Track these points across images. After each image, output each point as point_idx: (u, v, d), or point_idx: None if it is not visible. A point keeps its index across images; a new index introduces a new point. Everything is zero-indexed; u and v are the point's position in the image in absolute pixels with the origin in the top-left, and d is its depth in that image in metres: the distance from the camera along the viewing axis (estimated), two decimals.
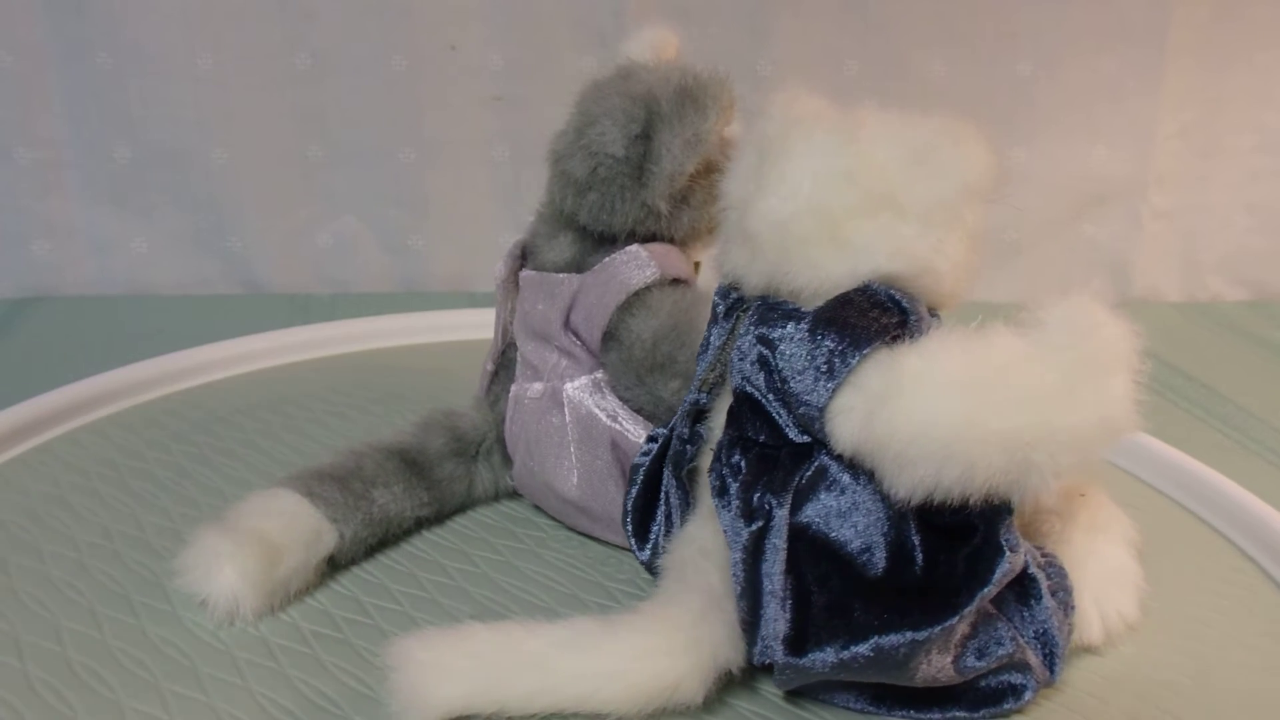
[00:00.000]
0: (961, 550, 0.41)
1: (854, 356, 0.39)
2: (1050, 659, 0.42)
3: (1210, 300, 1.07)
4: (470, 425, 0.57)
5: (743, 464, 0.43)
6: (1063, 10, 0.97)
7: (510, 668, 0.40)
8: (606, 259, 0.52)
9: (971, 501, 0.38)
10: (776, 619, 0.40)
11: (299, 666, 0.44)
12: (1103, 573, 0.46)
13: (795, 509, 0.41)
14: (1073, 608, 0.44)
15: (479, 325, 0.84)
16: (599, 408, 0.53)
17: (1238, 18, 0.99)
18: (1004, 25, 0.98)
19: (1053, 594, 0.43)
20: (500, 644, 0.41)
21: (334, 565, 0.51)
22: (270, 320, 0.85)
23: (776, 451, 0.43)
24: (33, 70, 0.89)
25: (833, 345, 0.40)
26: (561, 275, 0.53)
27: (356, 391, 0.72)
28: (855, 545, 0.41)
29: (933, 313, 0.43)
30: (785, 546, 0.41)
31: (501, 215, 0.99)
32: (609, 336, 0.52)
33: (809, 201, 0.41)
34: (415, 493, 0.54)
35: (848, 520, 0.41)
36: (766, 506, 0.41)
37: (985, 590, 0.39)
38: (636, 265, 0.51)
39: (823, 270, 0.42)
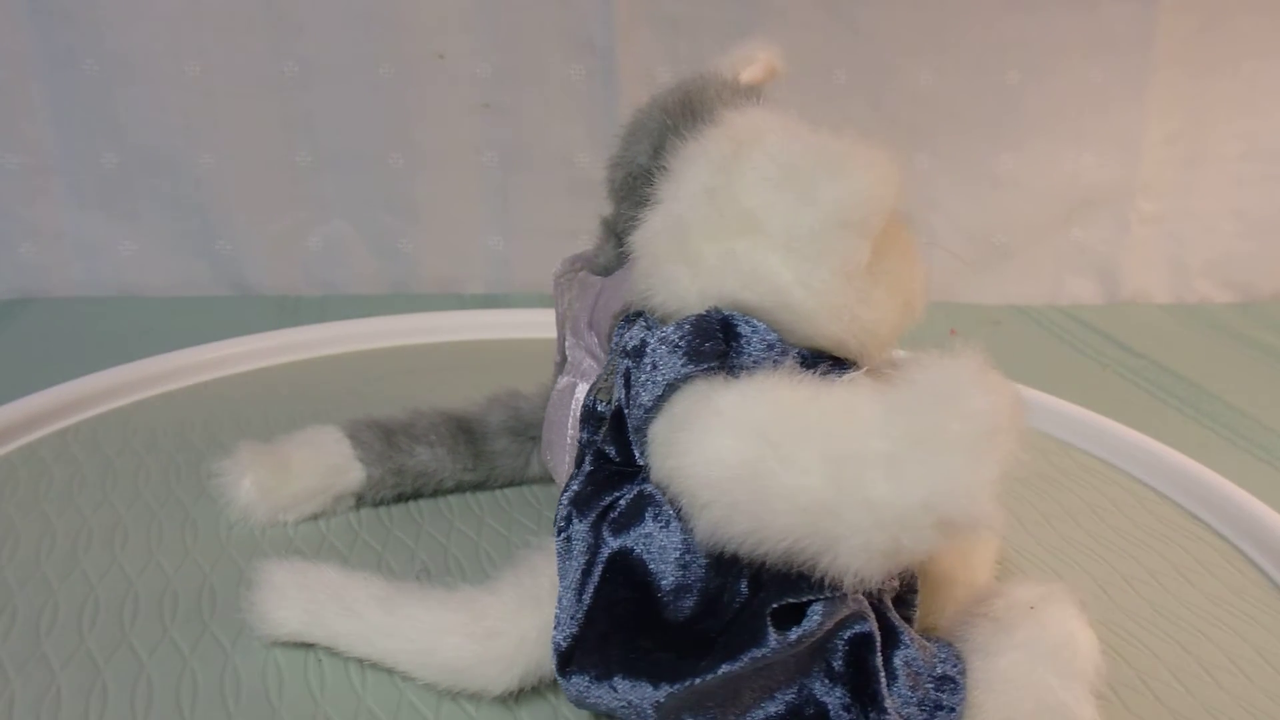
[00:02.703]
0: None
1: (666, 383, 0.37)
2: None
3: (1198, 302, 1.08)
4: (530, 408, 0.59)
5: (584, 473, 0.41)
6: (1050, 20, 0.98)
7: (333, 609, 0.43)
8: (625, 266, 0.52)
9: (769, 563, 0.34)
10: (559, 632, 0.38)
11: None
12: (1026, 706, 0.36)
13: (620, 531, 0.38)
14: None
15: (468, 327, 0.85)
16: None
17: (1223, 27, 1.00)
18: (992, 35, 0.98)
19: (917, 702, 0.37)
20: (334, 585, 0.43)
21: (362, 502, 0.56)
22: (259, 322, 0.85)
23: (608, 468, 0.40)
24: (18, 77, 0.89)
25: (659, 369, 0.37)
26: (596, 278, 0.54)
27: (345, 393, 0.72)
28: (669, 582, 0.37)
29: (848, 363, 0.39)
30: (582, 565, 0.39)
31: (490, 220, 0.99)
32: (610, 341, 0.52)
33: (675, 218, 0.39)
34: (460, 458, 0.57)
35: (668, 556, 0.37)
36: (570, 521, 0.40)
37: (731, 667, 0.35)
38: None
39: (674, 289, 0.39)
